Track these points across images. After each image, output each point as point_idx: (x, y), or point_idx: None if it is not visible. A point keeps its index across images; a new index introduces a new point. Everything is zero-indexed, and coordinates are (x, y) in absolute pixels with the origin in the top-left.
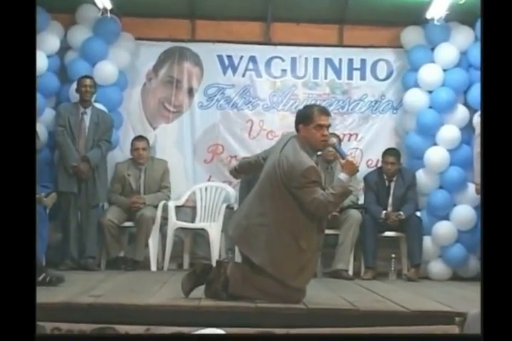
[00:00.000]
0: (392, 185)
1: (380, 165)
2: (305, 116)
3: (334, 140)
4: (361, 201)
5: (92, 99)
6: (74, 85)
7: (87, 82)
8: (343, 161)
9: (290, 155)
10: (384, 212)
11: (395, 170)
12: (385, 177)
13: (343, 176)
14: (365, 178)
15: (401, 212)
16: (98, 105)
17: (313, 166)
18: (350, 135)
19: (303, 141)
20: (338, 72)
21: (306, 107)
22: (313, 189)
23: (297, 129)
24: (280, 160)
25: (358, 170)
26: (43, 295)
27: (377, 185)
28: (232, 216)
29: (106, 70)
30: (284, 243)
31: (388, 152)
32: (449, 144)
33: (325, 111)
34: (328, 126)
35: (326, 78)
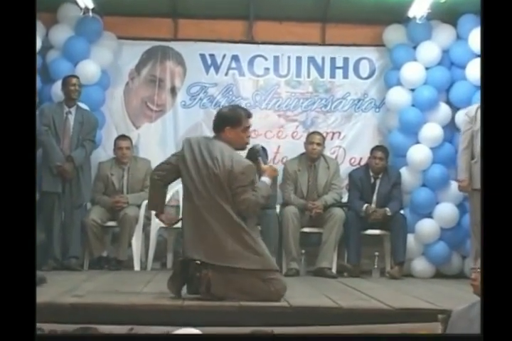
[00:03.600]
0: (378, 182)
1: (363, 163)
2: (233, 119)
3: (259, 145)
4: (345, 199)
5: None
6: (57, 84)
7: (74, 81)
8: (265, 166)
9: (225, 155)
10: (365, 205)
11: (382, 165)
12: (371, 173)
13: (266, 179)
14: (350, 175)
15: (387, 209)
16: (81, 104)
17: (252, 165)
18: (333, 133)
19: (227, 141)
20: (320, 71)
21: (231, 109)
22: (247, 188)
23: (220, 130)
24: (215, 162)
25: (277, 174)
26: None
27: (362, 182)
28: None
29: (88, 70)
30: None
31: (377, 148)
32: (432, 142)
33: (250, 114)
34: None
35: (308, 77)
